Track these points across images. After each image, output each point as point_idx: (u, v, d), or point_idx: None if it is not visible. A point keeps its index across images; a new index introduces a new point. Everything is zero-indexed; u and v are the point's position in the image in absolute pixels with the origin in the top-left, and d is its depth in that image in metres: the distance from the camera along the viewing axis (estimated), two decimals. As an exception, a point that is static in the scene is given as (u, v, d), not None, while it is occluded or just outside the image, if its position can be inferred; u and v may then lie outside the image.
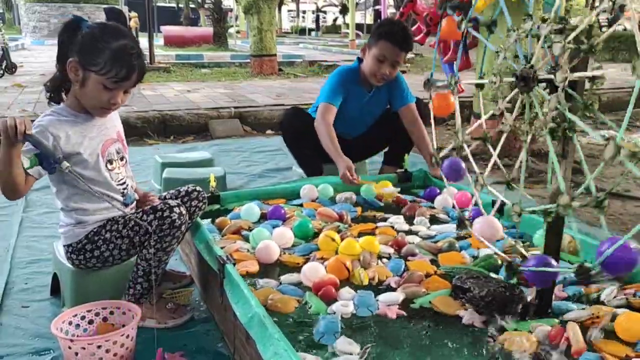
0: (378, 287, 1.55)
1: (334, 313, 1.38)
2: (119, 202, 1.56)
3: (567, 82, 1.15)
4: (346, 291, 1.49)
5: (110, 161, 1.55)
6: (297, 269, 1.65)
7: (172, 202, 1.50)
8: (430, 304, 1.44)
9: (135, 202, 1.63)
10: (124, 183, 1.59)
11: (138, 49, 1.44)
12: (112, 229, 1.51)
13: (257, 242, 1.74)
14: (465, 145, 1.49)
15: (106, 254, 1.52)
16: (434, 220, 2.11)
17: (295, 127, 2.60)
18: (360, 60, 2.60)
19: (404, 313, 1.41)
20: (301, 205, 2.21)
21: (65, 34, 1.44)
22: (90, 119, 1.51)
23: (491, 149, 1.44)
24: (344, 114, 2.53)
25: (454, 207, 2.01)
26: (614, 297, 1.44)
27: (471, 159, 1.47)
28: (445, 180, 1.60)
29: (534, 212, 1.21)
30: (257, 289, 1.49)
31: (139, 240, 1.49)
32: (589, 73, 1.15)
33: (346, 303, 1.41)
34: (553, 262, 1.20)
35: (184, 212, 1.50)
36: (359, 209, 2.17)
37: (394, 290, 1.53)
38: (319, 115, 2.46)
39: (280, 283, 1.56)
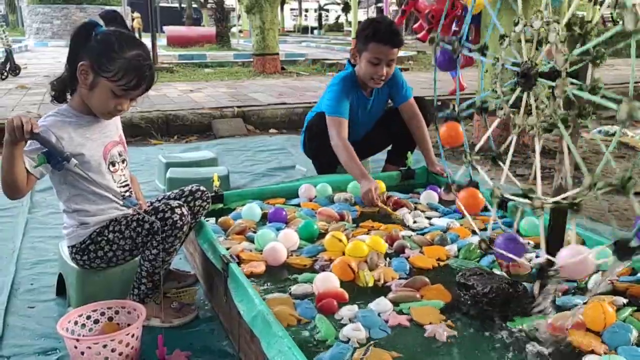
0: (383, 289, 1.52)
1: (348, 340, 1.26)
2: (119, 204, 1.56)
3: (568, 63, 1.12)
4: (347, 309, 1.38)
5: (112, 163, 1.56)
6: (305, 270, 1.63)
7: (174, 203, 1.50)
8: (409, 311, 1.39)
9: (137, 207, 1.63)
10: (127, 185, 1.61)
11: (150, 60, 1.46)
12: (114, 230, 1.52)
13: (262, 244, 1.73)
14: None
15: (109, 254, 1.53)
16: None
17: (321, 128, 2.51)
18: (352, 65, 2.55)
19: (413, 317, 1.36)
20: (298, 205, 2.19)
21: (79, 36, 1.44)
22: (93, 121, 1.52)
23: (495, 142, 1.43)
24: (350, 121, 2.48)
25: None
26: (600, 284, 1.43)
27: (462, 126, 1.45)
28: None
29: (557, 202, 1.15)
30: (266, 298, 1.41)
31: (142, 241, 1.50)
32: (587, 46, 1.11)
33: (357, 326, 1.29)
34: (520, 238, 1.32)
35: (185, 212, 1.51)
36: (358, 208, 2.16)
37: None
38: (333, 133, 2.39)
39: (291, 294, 1.48)
